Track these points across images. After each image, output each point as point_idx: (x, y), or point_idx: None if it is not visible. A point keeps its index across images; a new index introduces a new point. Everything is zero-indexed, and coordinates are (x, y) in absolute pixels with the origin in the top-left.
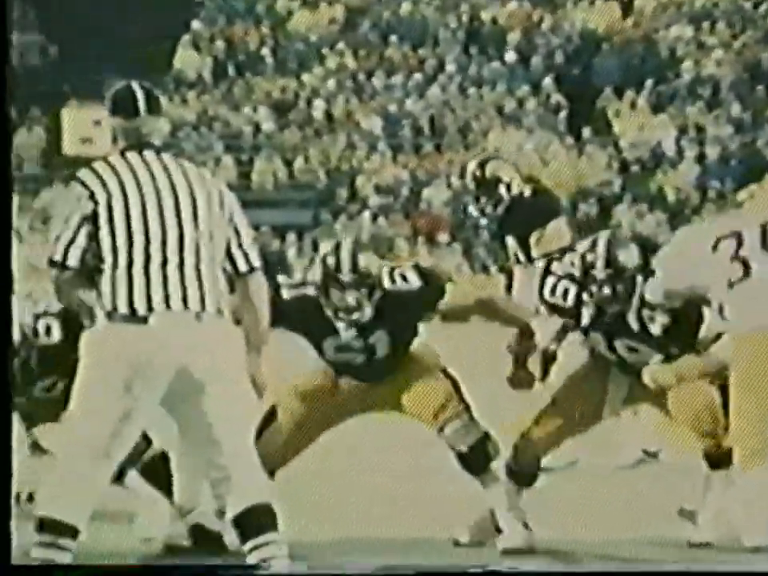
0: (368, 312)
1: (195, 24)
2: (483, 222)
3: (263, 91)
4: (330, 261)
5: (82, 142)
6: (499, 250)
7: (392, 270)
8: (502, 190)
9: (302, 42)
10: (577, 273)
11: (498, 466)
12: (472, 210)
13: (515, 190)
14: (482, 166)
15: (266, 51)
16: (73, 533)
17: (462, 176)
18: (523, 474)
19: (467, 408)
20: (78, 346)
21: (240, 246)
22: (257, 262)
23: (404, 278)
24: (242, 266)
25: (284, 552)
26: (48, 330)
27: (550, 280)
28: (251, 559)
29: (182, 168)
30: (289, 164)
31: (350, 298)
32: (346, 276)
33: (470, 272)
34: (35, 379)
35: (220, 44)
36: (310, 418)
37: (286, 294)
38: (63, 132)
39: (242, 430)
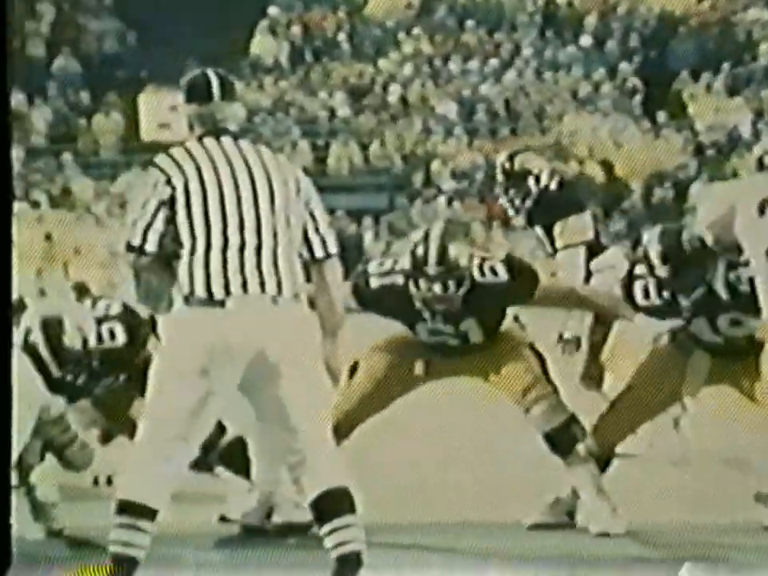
0: (457, 302)
1: (272, 10)
2: (512, 213)
3: (339, 76)
4: (420, 251)
5: (159, 128)
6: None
7: (482, 262)
8: (531, 182)
9: (379, 27)
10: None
11: (584, 448)
12: (502, 201)
13: (543, 183)
14: (511, 158)
15: (342, 36)
16: (152, 515)
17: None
18: (599, 459)
19: (555, 390)
20: (141, 347)
21: (317, 230)
22: (333, 248)
23: (494, 272)
24: (319, 252)
25: (361, 535)
26: (112, 335)
27: (639, 284)
28: (328, 542)
29: (258, 153)
30: (364, 149)
31: (438, 289)
32: (432, 268)
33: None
34: (99, 380)
35: (297, 29)
36: (391, 377)
37: (374, 282)
38: (140, 118)
39: (318, 414)
